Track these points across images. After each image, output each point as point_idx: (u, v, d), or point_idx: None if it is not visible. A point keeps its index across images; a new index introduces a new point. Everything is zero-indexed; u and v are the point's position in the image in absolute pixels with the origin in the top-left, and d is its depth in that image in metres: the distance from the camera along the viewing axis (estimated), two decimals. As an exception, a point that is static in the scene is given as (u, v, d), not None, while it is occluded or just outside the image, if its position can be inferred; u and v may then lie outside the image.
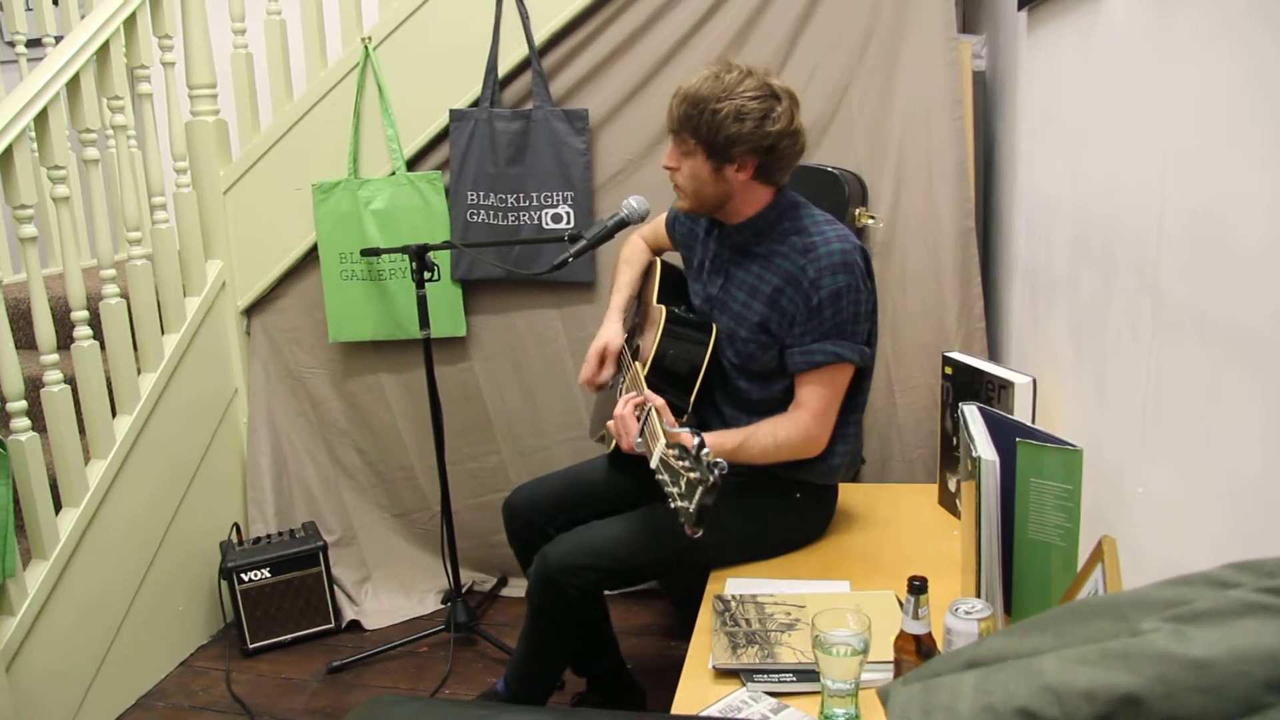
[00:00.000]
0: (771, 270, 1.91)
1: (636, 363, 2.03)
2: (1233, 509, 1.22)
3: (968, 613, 1.40)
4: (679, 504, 1.50)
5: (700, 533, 1.49)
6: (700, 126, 1.82)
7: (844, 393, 1.94)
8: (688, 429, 1.77)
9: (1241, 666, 0.66)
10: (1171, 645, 0.69)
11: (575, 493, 2.21)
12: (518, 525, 2.23)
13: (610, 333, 2.17)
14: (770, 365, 1.95)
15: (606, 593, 2.13)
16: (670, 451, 1.55)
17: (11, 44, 3.47)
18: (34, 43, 3.48)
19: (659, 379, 1.96)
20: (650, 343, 1.99)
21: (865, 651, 1.41)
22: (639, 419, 1.78)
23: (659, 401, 1.77)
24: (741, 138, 1.80)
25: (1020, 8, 2.19)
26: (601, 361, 2.14)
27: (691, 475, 1.47)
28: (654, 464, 1.60)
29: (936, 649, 1.42)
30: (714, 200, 1.92)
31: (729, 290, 1.99)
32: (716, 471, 1.45)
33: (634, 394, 1.86)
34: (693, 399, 1.98)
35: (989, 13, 2.68)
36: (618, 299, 2.24)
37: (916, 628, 1.40)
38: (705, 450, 1.49)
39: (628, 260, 2.31)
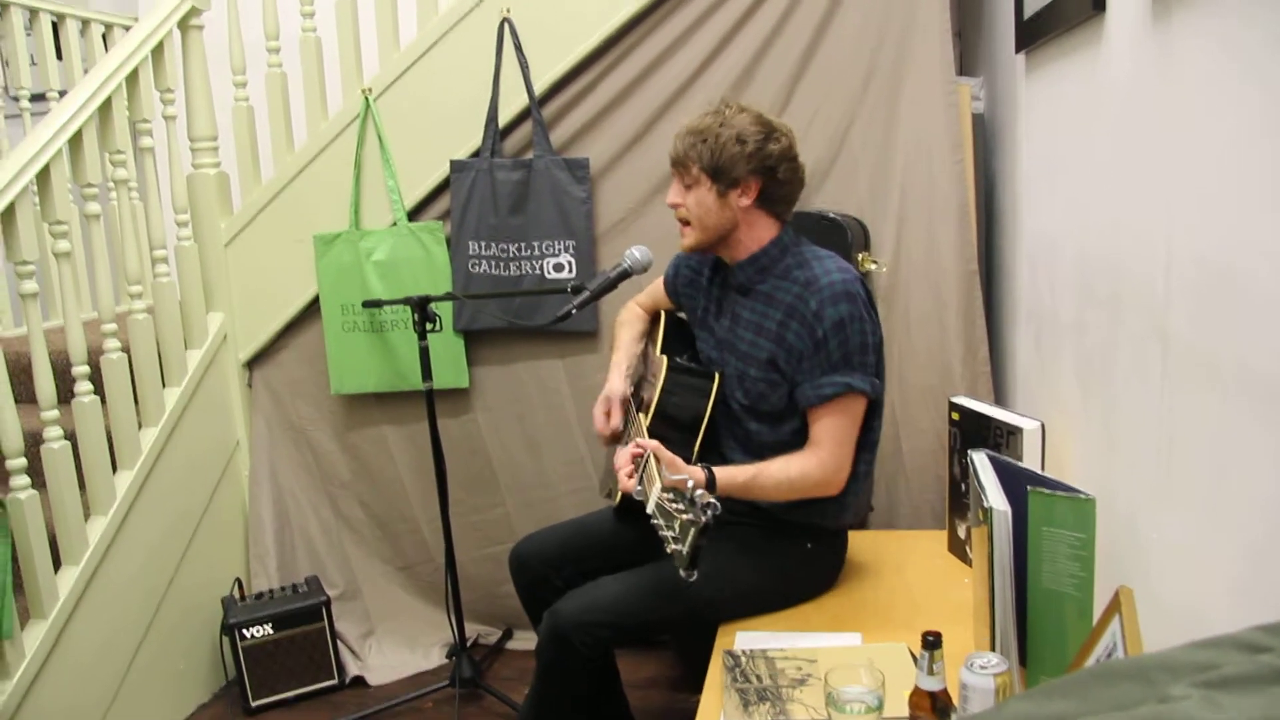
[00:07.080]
0: (774, 306, 1.91)
1: (640, 414, 2.01)
2: (1250, 558, 1.20)
3: (983, 668, 1.37)
4: (673, 547, 1.49)
5: (695, 575, 1.49)
6: (704, 152, 1.86)
7: (859, 425, 1.91)
8: (699, 465, 1.77)
9: (1277, 737, 0.63)
10: (1204, 713, 0.66)
11: (583, 543, 2.18)
12: (526, 577, 2.19)
13: (612, 386, 2.16)
14: (780, 405, 1.93)
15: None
16: (665, 495, 1.55)
17: (16, 99, 3.51)
18: (38, 97, 3.51)
19: (662, 428, 1.94)
20: (653, 393, 1.97)
21: (879, 708, 1.38)
22: (638, 466, 1.77)
23: (653, 444, 1.75)
24: (744, 157, 1.85)
25: (1018, 50, 2.20)
26: (607, 412, 2.12)
27: (684, 517, 1.47)
28: (650, 509, 1.59)
29: (952, 705, 1.39)
30: (719, 230, 1.92)
31: (735, 331, 1.98)
32: (709, 512, 1.45)
33: (633, 443, 1.84)
34: (696, 448, 1.95)
35: (986, 55, 2.69)
36: (618, 357, 2.23)
37: (932, 684, 1.37)
38: (699, 491, 1.49)
39: (624, 323, 2.30)
